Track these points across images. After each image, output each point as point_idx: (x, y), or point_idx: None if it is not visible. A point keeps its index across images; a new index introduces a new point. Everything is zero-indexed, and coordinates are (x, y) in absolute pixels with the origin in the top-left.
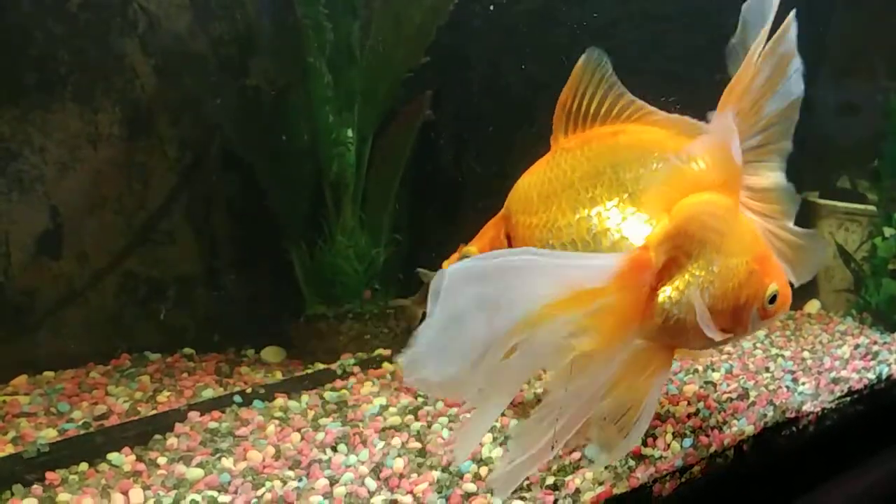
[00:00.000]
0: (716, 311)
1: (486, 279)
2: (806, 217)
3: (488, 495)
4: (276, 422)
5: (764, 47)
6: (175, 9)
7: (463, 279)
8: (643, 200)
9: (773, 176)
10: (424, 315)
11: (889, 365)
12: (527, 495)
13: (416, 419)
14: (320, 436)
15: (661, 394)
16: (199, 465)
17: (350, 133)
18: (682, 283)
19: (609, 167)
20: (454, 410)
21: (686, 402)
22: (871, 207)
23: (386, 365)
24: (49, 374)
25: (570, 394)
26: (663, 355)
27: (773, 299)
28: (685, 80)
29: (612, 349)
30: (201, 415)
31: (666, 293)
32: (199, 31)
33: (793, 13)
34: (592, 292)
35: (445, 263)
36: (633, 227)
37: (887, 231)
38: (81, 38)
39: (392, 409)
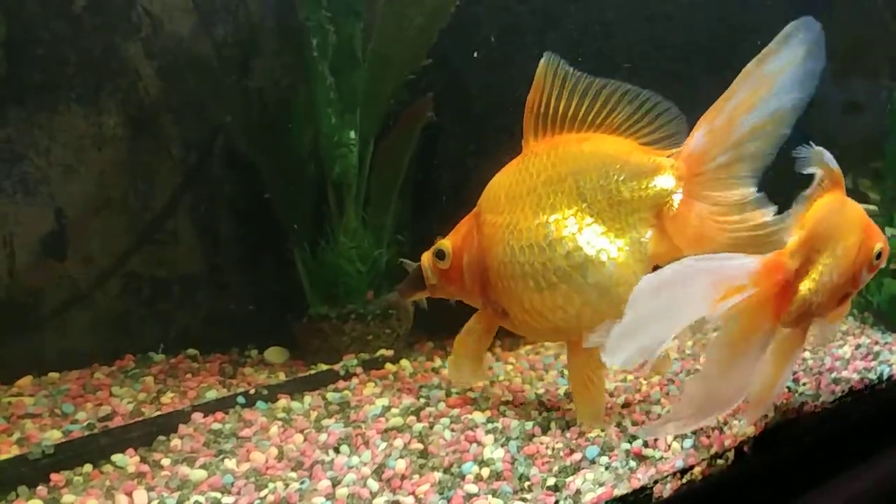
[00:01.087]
0: (841, 284)
1: (660, 290)
2: None
3: (489, 496)
4: (279, 423)
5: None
6: (178, 11)
7: (644, 292)
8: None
9: (741, 192)
10: (415, 304)
11: (890, 365)
12: (528, 496)
13: (419, 420)
14: (323, 437)
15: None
16: (203, 467)
17: (352, 135)
18: (816, 273)
19: (571, 175)
20: (456, 412)
21: None
22: (873, 207)
23: (388, 366)
24: (54, 374)
25: (722, 375)
26: (800, 336)
27: (878, 255)
28: (685, 79)
29: (755, 336)
30: (205, 416)
31: (806, 287)
32: (203, 33)
33: (790, 27)
34: (737, 288)
35: (424, 256)
36: (588, 237)
37: (889, 231)
38: (86, 40)
39: (394, 410)
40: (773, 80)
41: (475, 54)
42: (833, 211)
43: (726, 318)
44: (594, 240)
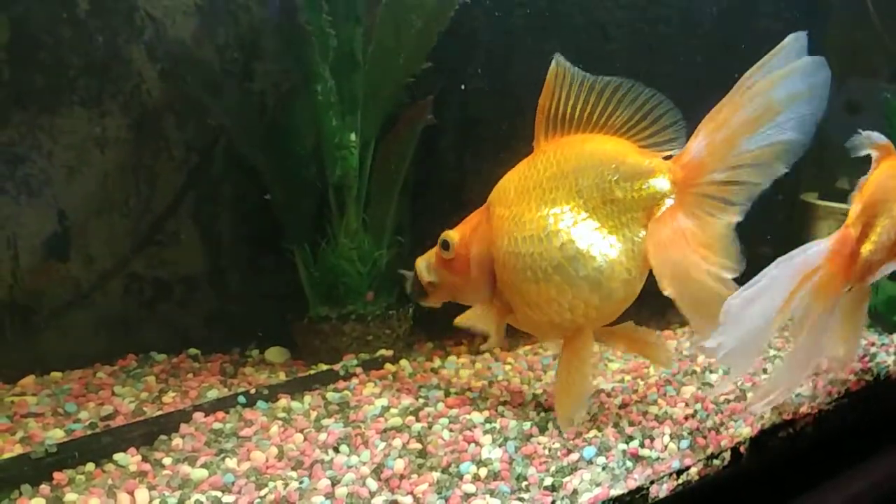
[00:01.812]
0: None
1: (752, 301)
2: (805, 218)
3: (487, 496)
4: (280, 422)
5: (754, 82)
6: (181, 15)
7: (738, 306)
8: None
9: (725, 220)
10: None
11: (887, 367)
12: (525, 496)
13: (417, 420)
14: (322, 436)
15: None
16: (204, 466)
17: (353, 137)
18: (875, 235)
19: (571, 172)
20: (454, 412)
21: (684, 404)
22: None
23: (388, 366)
24: (56, 374)
25: (809, 340)
26: (865, 291)
27: None
28: (685, 84)
29: (829, 303)
30: (206, 415)
31: (866, 248)
32: (205, 36)
33: (800, 63)
34: (813, 270)
35: (418, 260)
36: (581, 231)
37: None
38: (89, 43)
39: (393, 410)
40: (777, 110)
41: (462, 86)
42: (887, 176)
43: (810, 294)
44: (587, 234)
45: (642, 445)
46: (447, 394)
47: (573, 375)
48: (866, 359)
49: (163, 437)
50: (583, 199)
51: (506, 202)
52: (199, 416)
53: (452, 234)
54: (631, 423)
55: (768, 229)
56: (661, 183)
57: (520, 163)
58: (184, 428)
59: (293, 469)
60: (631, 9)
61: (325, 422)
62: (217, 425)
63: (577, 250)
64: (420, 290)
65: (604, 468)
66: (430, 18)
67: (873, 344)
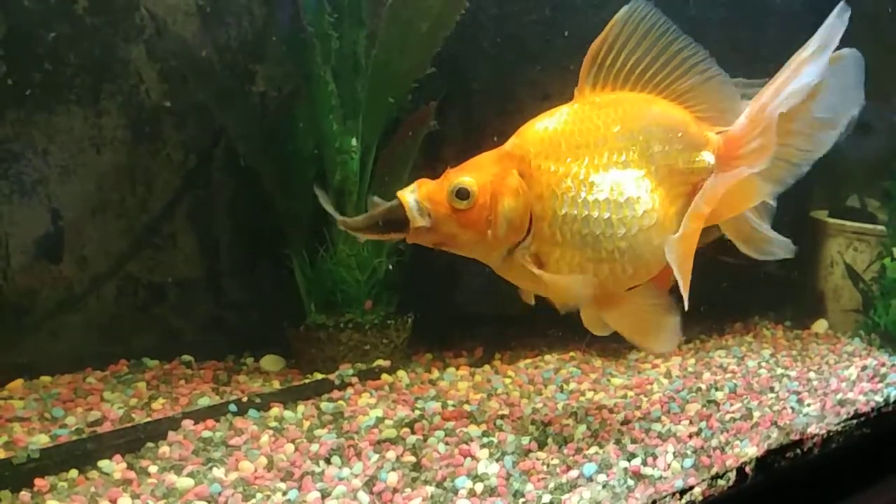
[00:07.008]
0: None
1: None
2: (814, 236)
3: None
4: (271, 432)
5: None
6: (182, 15)
7: None
8: None
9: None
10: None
11: None
12: None
13: (413, 432)
14: (314, 447)
15: None
16: (190, 475)
17: (354, 142)
18: None
19: (641, 134)
20: (451, 424)
21: (688, 422)
22: (881, 227)
23: (385, 376)
24: (46, 378)
25: None
26: None
27: None
28: None
29: None
30: (195, 423)
31: None
32: (206, 37)
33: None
34: None
35: (406, 194)
36: (656, 200)
37: None
38: (87, 41)
39: (388, 422)
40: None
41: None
42: None
43: None
44: (660, 205)
45: (644, 463)
46: (444, 406)
47: (638, 318)
48: (876, 379)
49: (150, 444)
50: (654, 165)
51: (557, 157)
52: (188, 423)
53: (471, 182)
54: (633, 441)
55: None
56: (710, 157)
57: (554, 113)
58: (172, 436)
59: (282, 480)
60: None
61: (317, 432)
62: (206, 433)
63: (657, 220)
64: (389, 225)
65: (604, 486)
66: (435, 22)
67: (883, 364)
